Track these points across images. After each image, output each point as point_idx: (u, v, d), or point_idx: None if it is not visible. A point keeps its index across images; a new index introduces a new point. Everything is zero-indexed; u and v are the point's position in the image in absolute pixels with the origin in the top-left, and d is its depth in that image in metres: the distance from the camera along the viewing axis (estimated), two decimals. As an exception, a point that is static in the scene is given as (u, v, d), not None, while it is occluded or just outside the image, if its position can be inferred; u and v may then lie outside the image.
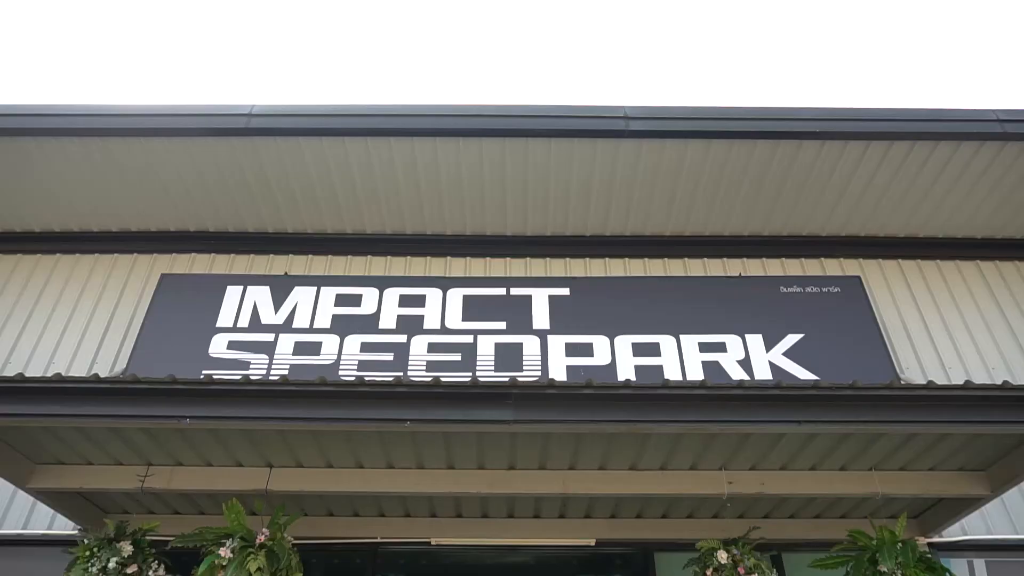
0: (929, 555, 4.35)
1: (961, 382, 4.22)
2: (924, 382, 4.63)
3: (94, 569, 4.21)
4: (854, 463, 4.56)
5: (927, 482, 4.63)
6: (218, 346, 6.12)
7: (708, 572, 4.25)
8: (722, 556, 4.20)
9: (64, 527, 5.35)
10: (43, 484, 4.65)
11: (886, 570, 4.20)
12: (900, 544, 4.29)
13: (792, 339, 6.10)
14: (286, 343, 6.12)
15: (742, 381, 4.01)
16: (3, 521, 5.55)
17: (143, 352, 6.07)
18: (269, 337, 6.17)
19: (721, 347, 6.06)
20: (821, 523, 5.25)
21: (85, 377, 3.97)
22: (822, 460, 4.52)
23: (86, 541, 4.42)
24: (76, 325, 6.59)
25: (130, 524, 4.63)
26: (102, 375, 4.37)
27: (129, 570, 4.29)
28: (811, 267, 6.99)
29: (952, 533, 5.40)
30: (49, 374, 5.35)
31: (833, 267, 6.98)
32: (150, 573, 4.41)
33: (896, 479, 4.63)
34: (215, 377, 3.96)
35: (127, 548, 4.35)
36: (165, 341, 6.17)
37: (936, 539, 5.24)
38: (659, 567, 5.36)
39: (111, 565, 4.24)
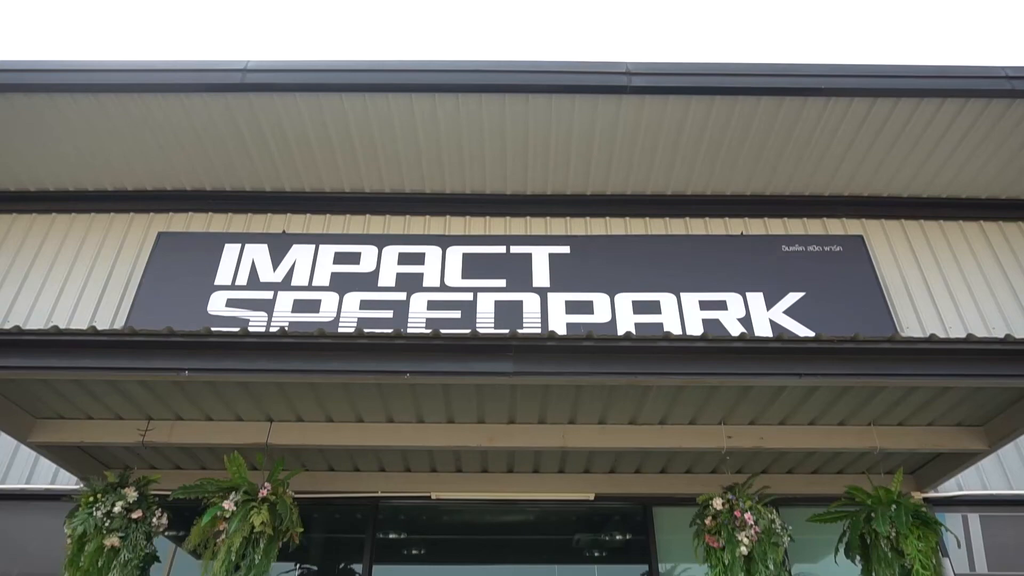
0: (924, 510, 4.38)
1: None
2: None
3: (99, 513, 4.22)
4: (853, 418, 4.57)
5: (925, 437, 4.64)
6: (216, 304, 6.09)
7: (707, 521, 4.26)
8: (717, 503, 4.22)
9: (67, 482, 5.39)
10: (44, 438, 4.66)
11: (881, 531, 4.22)
12: (895, 506, 4.30)
13: (793, 297, 6.09)
14: (285, 301, 6.10)
15: (743, 334, 3.99)
16: (6, 476, 5.60)
17: (141, 310, 6.05)
18: (268, 295, 6.15)
19: (722, 305, 6.04)
20: (819, 478, 5.30)
21: (82, 330, 3.94)
22: (821, 415, 4.53)
23: (90, 487, 4.42)
24: (73, 285, 6.56)
25: (132, 476, 4.65)
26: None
27: (134, 515, 4.31)
28: (813, 226, 6.94)
29: (947, 488, 5.45)
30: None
31: (835, 227, 6.94)
32: (154, 520, 4.43)
33: (894, 434, 4.65)
34: (213, 329, 3.91)
35: (132, 494, 4.36)
36: (163, 299, 6.14)
37: (931, 494, 5.29)
38: (657, 521, 5.41)
39: (116, 509, 4.26)
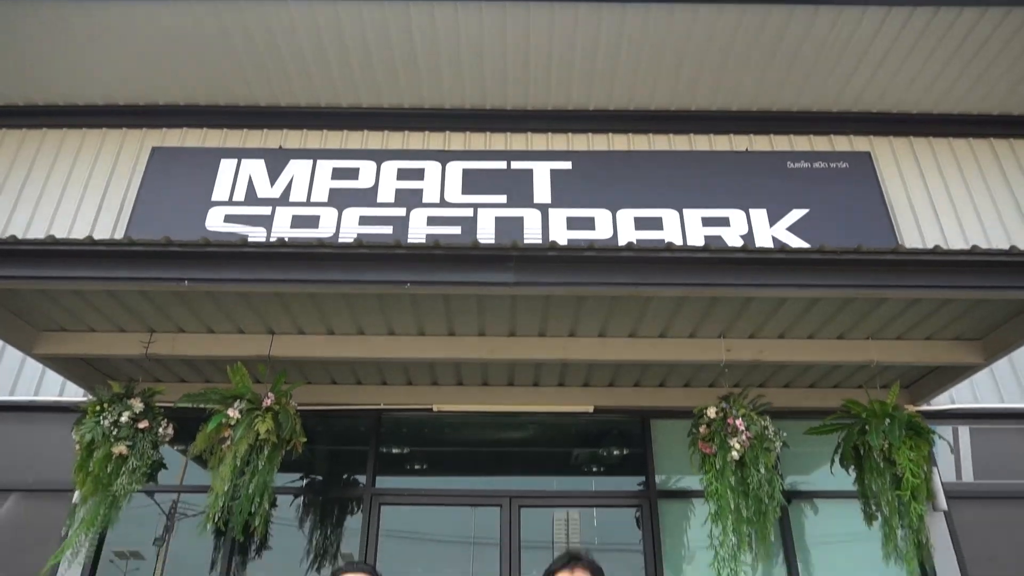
0: (918, 420, 4.44)
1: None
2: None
3: (106, 422, 4.29)
4: (852, 332, 4.58)
5: (923, 351, 4.67)
6: (214, 220, 6.03)
7: (701, 429, 4.33)
8: (712, 411, 4.28)
9: (74, 394, 5.46)
10: (48, 350, 4.69)
11: (875, 444, 4.30)
12: (888, 419, 4.36)
13: (797, 214, 6.02)
14: (283, 217, 6.03)
15: (745, 244, 3.95)
16: (14, 389, 5.69)
17: (138, 226, 5.99)
18: (266, 211, 6.08)
19: (724, 221, 5.98)
20: (815, 392, 5.37)
21: (79, 239, 3.89)
22: (820, 328, 4.54)
23: (96, 398, 4.47)
24: (69, 203, 6.48)
25: (137, 388, 4.70)
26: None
27: (140, 425, 4.38)
28: (820, 144, 6.80)
29: (940, 402, 5.53)
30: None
31: (843, 144, 6.80)
32: (160, 430, 4.51)
33: (892, 348, 4.67)
34: (212, 239, 3.87)
35: (138, 405, 4.42)
36: (160, 216, 6.08)
37: (924, 408, 5.37)
38: (655, 434, 5.52)
39: (123, 419, 4.32)
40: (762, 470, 4.17)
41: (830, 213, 6.04)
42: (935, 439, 4.37)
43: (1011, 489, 5.45)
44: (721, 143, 6.80)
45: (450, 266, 3.78)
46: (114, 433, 4.32)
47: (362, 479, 5.42)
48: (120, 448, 4.30)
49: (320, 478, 5.61)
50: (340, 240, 5.76)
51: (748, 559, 4.13)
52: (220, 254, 3.85)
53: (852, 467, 4.55)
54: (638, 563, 5.10)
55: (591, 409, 5.41)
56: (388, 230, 5.92)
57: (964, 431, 5.62)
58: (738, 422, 4.21)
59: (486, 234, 5.91)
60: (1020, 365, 5.78)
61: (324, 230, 5.96)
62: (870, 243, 5.63)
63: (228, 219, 6.03)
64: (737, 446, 4.18)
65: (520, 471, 5.74)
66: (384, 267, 3.79)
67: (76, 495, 4.43)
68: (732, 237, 5.89)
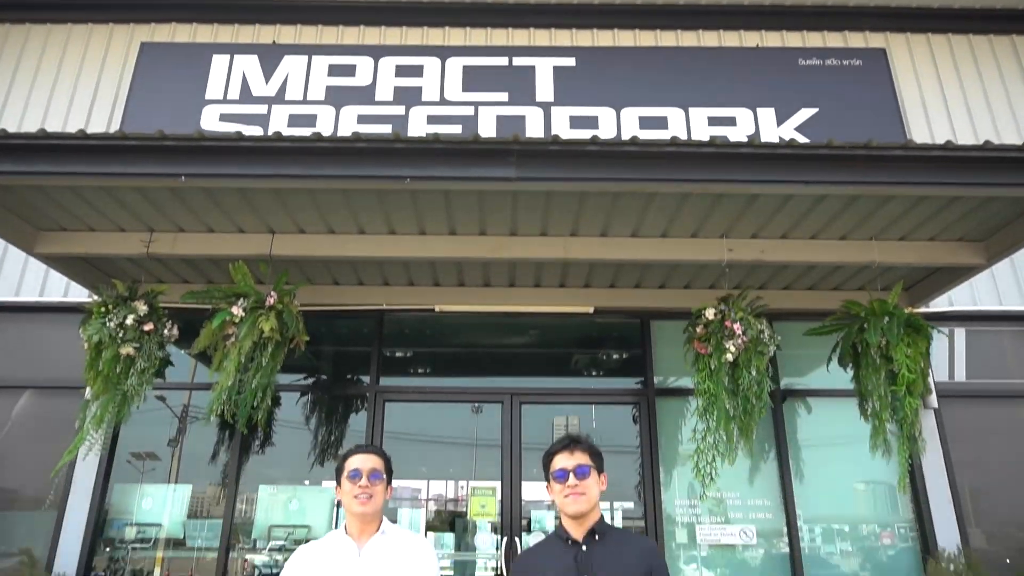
0: (917, 317, 4.47)
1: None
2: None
3: (112, 324, 4.34)
4: (855, 232, 4.54)
5: (925, 251, 4.64)
6: (209, 119, 5.90)
7: (698, 330, 4.36)
8: (710, 313, 4.30)
9: (79, 295, 5.50)
10: (48, 249, 4.67)
11: (872, 341, 4.33)
12: (888, 317, 4.37)
13: (806, 113, 5.87)
14: (280, 115, 5.89)
15: (752, 139, 3.84)
16: (19, 289, 5.72)
17: (131, 125, 5.86)
18: (262, 109, 5.93)
19: (731, 121, 5.84)
20: (815, 294, 5.38)
21: (72, 133, 3.79)
22: (824, 228, 4.49)
23: (101, 297, 4.50)
24: (59, 100, 6.33)
25: (140, 289, 4.72)
26: (90, 136, 4.20)
27: (145, 327, 4.43)
28: (833, 40, 6.55)
29: (938, 304, 5.56)
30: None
31: (857, 40, 6.55)
32: (165, 332, 4.56)
33: (895, 248, 4.64)
34: (207, 133, 3.77)
35: (142, 307, 4.46)
36: (153, 115, 5.94)
37: (923, 310, 5.39)
38: (654, 335, 5.59)
39: (128, 322, 4.37)
40: (754, 372, 4.24)
41: (840, 113, 5.88)
42: (933, 334, 4.39)
43: (1001, 388, 5.57)
44: (731, 39, 6.54)
45: (450, 161, 3.70)
46: (120, 335, 4.38)
47: (366, 379, 5.52)
48: (127, 349, 4.37)
49: (325, 377, 5.73)
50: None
51: (729, 454, 4.26)
52: (216, 148, 3.76)
53: (849, 366, 4.60)
54: (635, 464, 5.27)
55: (592, 310, 5.44)
56: (387, 129, 5.79)
57: (960, 333, 5.68)
58: (736, 326, 4.24)
59: (487, 133, 5.78)
60: (1021, 268, 5.77)
61: (322, 129, 5.82)
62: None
63: (224, 118, 5.90)
64: (732, 349, 4.23)
65: (521, 371, 5.85)
66: (383, 162, 3.71)
67: (88, 391, 4.53)
68: (738, 137, 5.76)
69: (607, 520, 2.57)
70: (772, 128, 5.81)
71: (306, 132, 5.70)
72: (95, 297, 4.96)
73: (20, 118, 6.19)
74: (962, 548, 4.98)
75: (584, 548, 2.43)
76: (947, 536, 5.05)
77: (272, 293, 4.36)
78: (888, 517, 5.22)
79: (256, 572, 5.25)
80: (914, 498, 5.23)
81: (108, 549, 5.09)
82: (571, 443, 2.55)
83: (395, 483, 2.68)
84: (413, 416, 5.54)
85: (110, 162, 3.80)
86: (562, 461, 2.51)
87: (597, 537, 2.46)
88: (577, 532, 2.47)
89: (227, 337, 4.30)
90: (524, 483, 5.15)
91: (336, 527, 3.07)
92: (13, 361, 5.62)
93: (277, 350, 4.38)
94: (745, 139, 5.73)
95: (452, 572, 5.23)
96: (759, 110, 5.88)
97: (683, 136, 5.77)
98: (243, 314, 4.29)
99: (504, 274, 5.18)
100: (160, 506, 5.24)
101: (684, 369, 4.90)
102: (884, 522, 5.20)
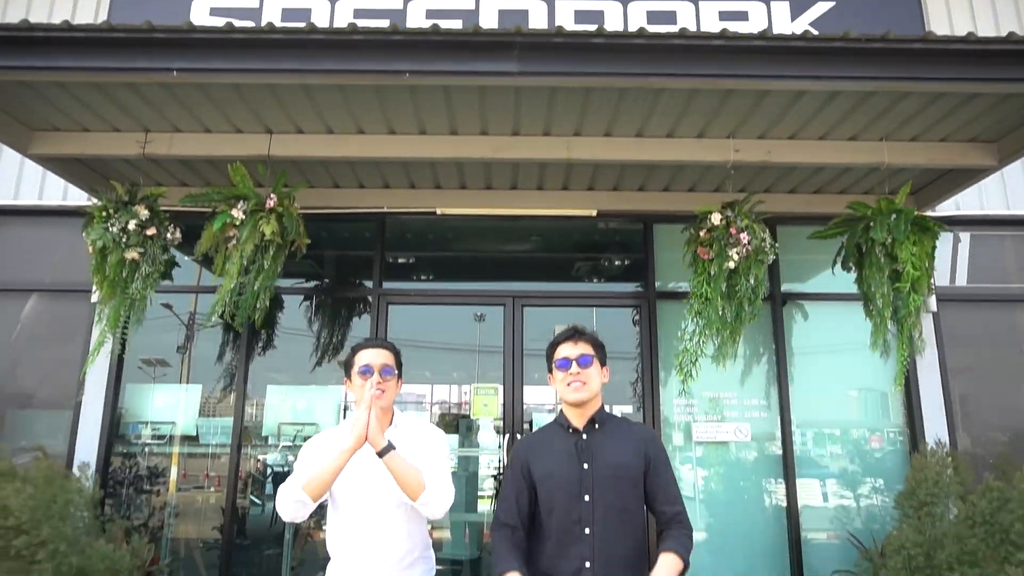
0: (924, 216, 4.41)
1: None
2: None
3: (115, 229, 4.32)
4: (865, 132, 4.43)
5: (936, 152, 4.54)
6: (199, 14, 5.67)
7: (701, 234, 4.32)
8: (715, 218, 4.25)
9: (78, 198, 5.45)
10: (43, 150, 4.59)
11: (877, 238, 4.27)
12: (895, 215, 4.30)
13: (821, 7, 5.61)
14: (272, 8, 5.65)
15: (764, 31, 3.67)
16: (18, 192, 5.67)
17: (118, 19, 5.62)
18: (254, 3, 5.68)
19: (742, 15, 5.59)
20: (821, 198, 5.32)
21: (57, 24, 3.63)
22: (833, 128, 4.38)
23: (101, 201, 4.46)
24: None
25: (140, 193, 4.66)
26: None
27: (148, 232, 4.41)
28: (854, -73, 6.16)
29: (945, 208, 5.50)
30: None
31: (879, -73, 6.16)
32: (167, 236, 4.55)
33: (905, 149, 4.54)
34: (197, 24, 3.61)
35: (143, 211, 4.42)
36: (140, 9, 5.67)
37: (929, 214, 5.33)
38: (657, 238, 5.56)
39: (130, 227, 4.35)
40: (752, 280, 4.24)
41: (857, 7, 5.62)
42: (939, 233, 4.35)
43: (1000, 292, 5.58)
44: (746, -73, 6.16)
45: (450, 53, 3.55)
46: (124, 240, 4.37)
47: (369, 282, 5.54)
48: (132, 254, 4.37)
49: (328, 281, 5.76)
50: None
51: (719, 357, 4.33)
52: (207, 40, 3.61)
53: (853, 268, 4.57)
54: (635, 367, 5.36)
55: (594, 213, 5.38)
56: (384, 23, 5.52)
57: (965, 237, 5.64)
58: (742, 235, 4.20)
59: (489, 27, 5.54)
60: (1033, 171, 5.67)
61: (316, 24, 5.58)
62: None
63: (214, 12, 5.67)
64: (735, 256, 4.21)
65: (524, 275, 5.86)
66: (380, 55, 3.57)
67: (95, 295, 4.56)
68: (750, 31, 5.51)
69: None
70: (786, 22, 5.57)
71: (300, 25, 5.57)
72: (95, 200, 4.91)
73: (2, 10, 5.94)
74: (949, 450, 5.12)
75: (584, 436, 2.50)
76: (936, 440, 5.18)
77: (272, 195, 4.31)
78: (880, 423, 5.35)
79: (268, 468, 5.46)
80: (906, 402, 5.33)
81: (123, 449, 5.27)
82: (575, 334, 2.58)
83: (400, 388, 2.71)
84: (417, 322, 5.59)
85: (98, 56, 3.66)
86: (566, 350, 2.55)
87: (597, 426, 2.52)
88: (578, 420, 2.53)
89: (228, 240, 4.28)
90: (526, 387, 5.26)
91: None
92: (15, 265, 5.63)
93: (278, 253, 4.38)
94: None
95: (457, 469, 5.43)
96: (772, 3, 5.62)
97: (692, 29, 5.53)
98: (243, 216, 4.26)
99: (507, 176, 5.10)
100: (173, 407, 5.39)
101: (685, 272, 4.90)
102: (875, 427, 5.33)
